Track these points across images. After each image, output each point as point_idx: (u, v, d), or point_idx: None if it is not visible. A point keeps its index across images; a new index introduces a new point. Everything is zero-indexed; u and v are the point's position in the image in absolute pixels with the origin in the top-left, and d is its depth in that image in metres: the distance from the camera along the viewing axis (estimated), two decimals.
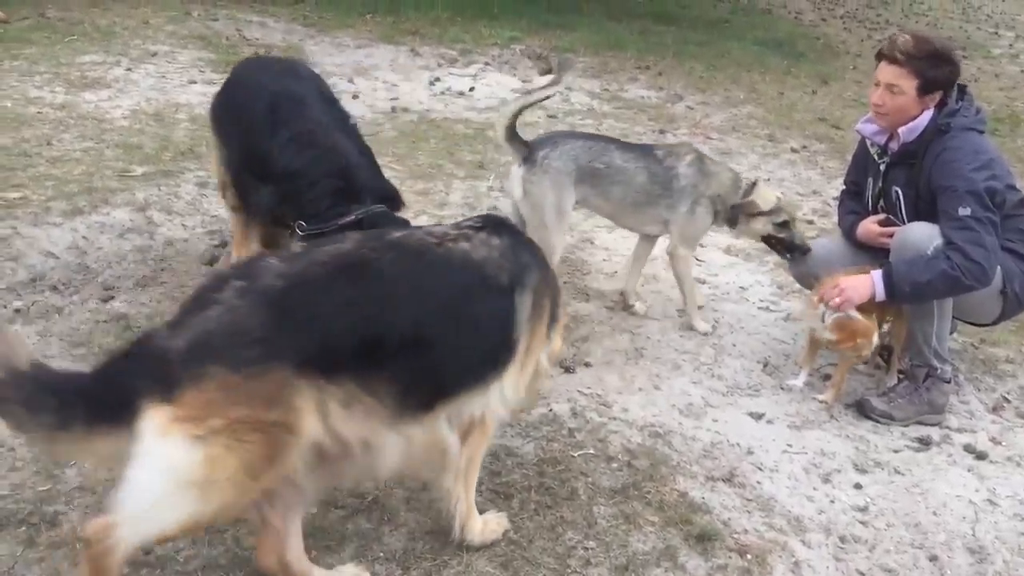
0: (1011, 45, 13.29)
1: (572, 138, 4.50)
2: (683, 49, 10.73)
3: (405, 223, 3.58)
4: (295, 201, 3.59)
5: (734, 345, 4.52)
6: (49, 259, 4.36)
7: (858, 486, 3.56)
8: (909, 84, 3.87)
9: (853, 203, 4.41)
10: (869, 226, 4.20)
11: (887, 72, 3.91)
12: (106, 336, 3.92)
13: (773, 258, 5.56)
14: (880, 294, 3.86)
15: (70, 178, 5.14)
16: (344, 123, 3.91)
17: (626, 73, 9.48)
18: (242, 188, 4.00)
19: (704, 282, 5.18)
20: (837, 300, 3.90)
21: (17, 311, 3.95)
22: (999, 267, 3.87)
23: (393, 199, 3.70)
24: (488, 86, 8.55)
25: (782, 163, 7.37)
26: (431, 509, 3.03)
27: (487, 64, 9.21)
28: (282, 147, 3.67)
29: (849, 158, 4.66)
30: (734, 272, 5.38)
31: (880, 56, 3.97)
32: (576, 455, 3.40)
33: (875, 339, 4.01)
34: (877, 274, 3.87)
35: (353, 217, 3.45)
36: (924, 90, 3.88)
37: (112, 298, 4.18)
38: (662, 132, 7.66)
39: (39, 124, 6.00)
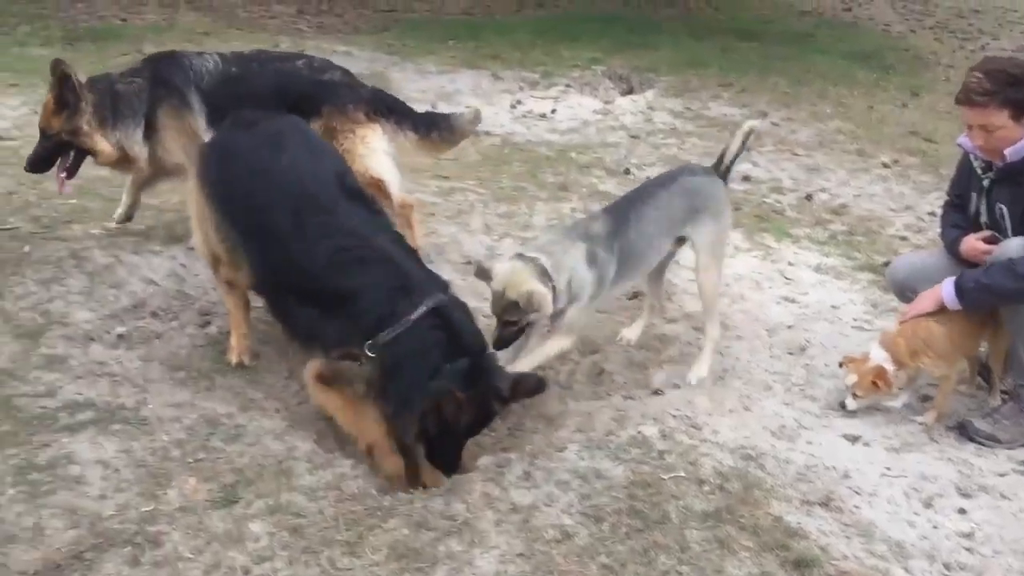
0: None
1: None
2: (767, 65, 10.58)
3: (467, 309, 3.53)
4: (354, 321, 3.35)
5: (826, 365, 4.42)
6: (149, 286, 4.51)
7: (962, 511, 3.43)
8: (1000, 118, 3.76)
9: (956, 216, 4.27)
10: (973, 243, 4.06)
11: (972, 116, 3.83)
12: (203, 360, 4.05)
13: (865, 275, 5.44)
14: (950, 298, 3.87)
15: (167, 207, 5.32)
16: (377, 221, 3.65)
17: (708, 91, 9.39)
18: (275, 303, 3.73)
19: (794, 301, 5.08)
20: (907, 311, 4.02)
21: (120, 336, 4.10)
22: None
23: (447, 286, 3.53)
24: (570, 108, 8.56)
25: (873, 178, 7.19)
26: (521, 531, 3.03)
27: (568, 86, 9.23)
28: (322, 269, 3.40)
29: (943, 172, 4.55)
30: (825, 290, 5.27)
31: (959, 102, 3.88)
32: (667, 478, 3.35)
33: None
34: (948, 281, 3.88)
35: (425, 308, 3.30)
36: (1018, 116, 3.76)
37: (209, 323, 4.32)
38: (747, 150, 7.54)
39: None
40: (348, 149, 4.62)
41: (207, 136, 4.58)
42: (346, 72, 4.97)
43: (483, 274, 3.84)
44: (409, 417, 3.23)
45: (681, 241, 4.27)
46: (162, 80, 4.65)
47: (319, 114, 4.64)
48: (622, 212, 4.07)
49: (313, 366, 3.52)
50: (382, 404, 3.38)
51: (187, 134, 4.66)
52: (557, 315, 3.87)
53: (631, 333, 4.53)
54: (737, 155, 4.37)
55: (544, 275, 3.73)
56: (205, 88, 4.65)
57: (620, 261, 3.97)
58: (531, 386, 3.44)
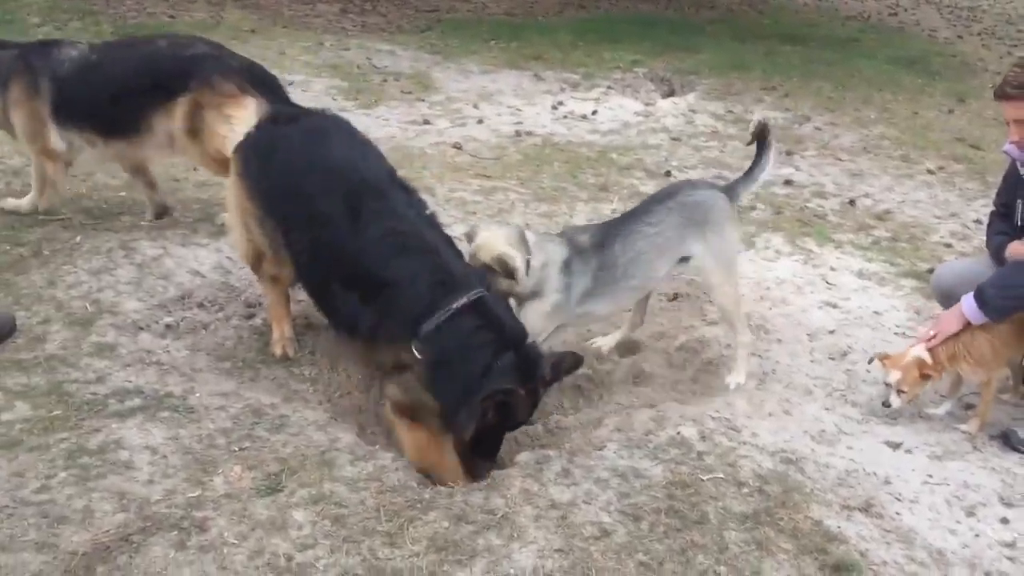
0: None
1: None
2: (810, 69, 10.51)
3: (505, 302, 3.60)
4: (395, 309, 3.38)
5: (868, 371, 4.38)
6: (196, 277, 4.60)
7: (1005, 520, 3.39)
8: None
9: (1003, 224, 4.23)
10: (1018, 246, 4.02)
11: (1011, 110, 3.82)
12: (248, 351, 4.12)
13: (909, 282, 5.39)
14: (972, 311, 3.82)
15: (215, 201, 5.41)
16: (423, 215, 3.64)
17: (751, 94, 9.34)
18: (319, 291, 3.73)
19: (836, 306, 5.04)
20: (931, 333, 3.94)
21: (168, 327, 4.18)
22: None
23: (484, 280, 3.55)
24: (611, 109, 8.57)
25: (917, 184, 7.12)
26: (560, 527, 3.04)
27: (609, 88, 9.24)
28: (371, 252, 3.44)
29: (990, 179, 4.50)
30: (867, 296, 5.22)
31: (997, 97, 3.88)
32: (706, 479, 3.36)
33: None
34: (966, 296, 3.84)
35: (466, 300, 3.31)
36: None
37: (254, 315, 4.39)
38: (789, 154, 7.51)
39: None
40: (211, 129, 4.48)
41: (48, 119, 4.74)
42: (215, 45, 4.78)
43: (469, 238, 3.86)
44: (469, 416, 3.26)
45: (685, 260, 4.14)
46: (25, 61, 4.78)
47: (187, 90, 4.42)
48: (612, 228, 4.02)
49: (392, 395, 3.49)
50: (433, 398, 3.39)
51: (27, 113, 4.78)
52: (527, 296, 3.82)
53: (605, 341, 4.46)
54: (760, 164, 4.22)
55: (522, 243, 3.74)
56: (63, 75, 4.72)
57: (601, 276, 3.88)
58: (570, 364, 3.54)
